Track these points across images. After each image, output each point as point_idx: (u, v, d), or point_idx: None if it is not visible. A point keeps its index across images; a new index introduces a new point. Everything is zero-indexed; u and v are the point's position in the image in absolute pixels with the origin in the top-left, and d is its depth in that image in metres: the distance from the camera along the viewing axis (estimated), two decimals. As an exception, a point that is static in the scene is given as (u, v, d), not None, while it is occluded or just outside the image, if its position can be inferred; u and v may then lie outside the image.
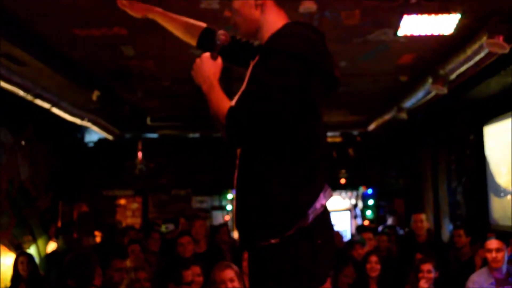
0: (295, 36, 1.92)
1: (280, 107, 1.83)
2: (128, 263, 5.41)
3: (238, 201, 1.98)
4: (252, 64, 1.99)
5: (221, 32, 2.07)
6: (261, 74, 1.87)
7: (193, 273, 4.42)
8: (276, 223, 1.86)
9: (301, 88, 1.86)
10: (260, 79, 1.86)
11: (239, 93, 1.94)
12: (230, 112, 1.87)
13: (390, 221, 10.62)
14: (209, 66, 2.00)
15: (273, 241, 1.85)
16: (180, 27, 2.53)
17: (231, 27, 2.15)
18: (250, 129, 1.85)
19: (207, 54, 2.03)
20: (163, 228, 9.09)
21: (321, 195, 1.93)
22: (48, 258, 6.54)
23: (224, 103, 1.92)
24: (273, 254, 1.86)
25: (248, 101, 1.86)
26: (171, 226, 9.19)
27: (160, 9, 2.54)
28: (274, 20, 2.01)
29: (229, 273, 3.87)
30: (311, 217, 1.88)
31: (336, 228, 8.46)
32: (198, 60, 2.04)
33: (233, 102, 1.93)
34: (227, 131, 1.87)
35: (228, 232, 7.05)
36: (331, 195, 2.00)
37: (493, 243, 4.53)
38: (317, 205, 1.90)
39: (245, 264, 4.56)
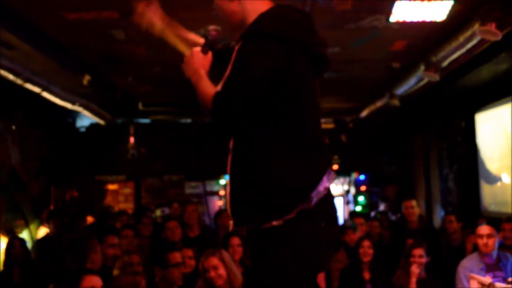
0: (275, 18, 1.96)
1: (261, 87, 1.87)
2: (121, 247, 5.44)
3: (234, 185, 2.00)
4: (235, 50, 2.01)
5: (212, 27, 2.12)
6: (241, 57, 1.93)
7: (184, 256, 4.44)
8: (278, 205, 1.89)
9: (282, 68, 1.89)
10: (240, 62, 1.92)
11: (223, 78, 1.98)
12: (215, 97, 1.93)
13: (382, 207, 10.68)
14: (198, 60, 2.08)
15: (275, 223, 1.88)
16: (187, 43, 2.51)
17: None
18: (235, 111, 1.90)
19: (197, 48, 2.10)
20: (158, 212, 9.10)
21: (325, 178, 1.96)
22: (40, 242, 6.53)
23: (210, 90, 1.98)
24: (276, 236, 1.88)
25: (230, 84, 1.92)
26: (166, 210, 9.20)
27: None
28: (255, 8, 2.04)
29: (213, 261, 3.85)
30: (314, 200, 1.91)
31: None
32: (188, 54, 2.12)
33: (218, 88, 1.97)
34: (213, 114, 1.93)
35: (227, 217, 7.07)
36: (334, 178, 2.03)
37: (484, 229, 4.56)
38: (321, 188, 1.93)
39: (231, 250, 4.59)
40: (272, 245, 1.89)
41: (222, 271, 3.81)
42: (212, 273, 3.78)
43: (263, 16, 1.98)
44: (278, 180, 1.89)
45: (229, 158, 2.02)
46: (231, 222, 2.05)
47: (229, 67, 2.00)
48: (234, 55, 1.99)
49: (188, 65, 2.10)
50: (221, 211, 7.15)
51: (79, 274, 3.36)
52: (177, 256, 4.28)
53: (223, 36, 2.15)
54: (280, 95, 1.90)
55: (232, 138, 2.03)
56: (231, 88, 1.91)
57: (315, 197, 1.91)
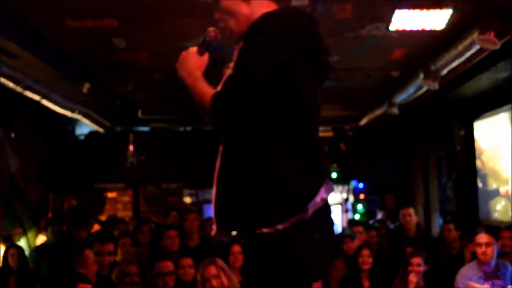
0: (276, 18, 1.92)
1: (260, 86, 1.82)
2: (118, 256, 5.40)
3: (224, 189, 1.93)
4: (237, 49, 1.96)
5: (211, 28, 2.05)
6: (241, 56, 1.87)
7: (184, 265, 4.42)
8: (273, 213, 1.84)
9: (281, 67, 1.84)
10: (240, 61, 1.86)
11: (224, 78, 1.93)
12: (214, 97, 1.86)
13: (379, 215, 10.67)
14: (194, 61, 2.00)
15: (267, 230, 1.83)
16: None
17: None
18: (236, 112, 1.84)
19: (194, 49, 2.02)
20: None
21: (322, 189, 1.91)
22: (37, 250, 6.51)
23: (208, 90, 1.91)
24: (271, 243, 1.84)
25: (230, 84, 1.86)
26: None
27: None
28: (260, 10, 1.97)
29: (212, 270, 3.85)
30: (310, 211, 1.86)
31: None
32: (184, 54, 2.03)
33: (218, 88, 1.92)
34: (212, 115, 1.86)
35: None
36: (332, 189, 1.98)
37: (482, 238, 4.56)
38: (318, 199, 1.88)
39: (232, 257, 4.58)
40: (267, 253, 1.86)
41: (222, 279, 3.82)
42: (214, 282, 3.78)
43: (265, 16, 1.93)
44: (274, 188, 1.84)
45: (218, 162, 1.96)
46: (213, 227, 1.97)
47: (231, 66, 1.95)
48: (235, 54, 1.94)
49: (183, 65, 2.01)
50: (208, 219, 7.11)
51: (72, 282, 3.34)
52: (168, 265, 4.25)
53: (222, 38, 2.08)
54: (278, 98, 1.85)
55: (222, 141, 1.96)
56: (231, 88, 1.85)
57: (312, 208, 1.86)
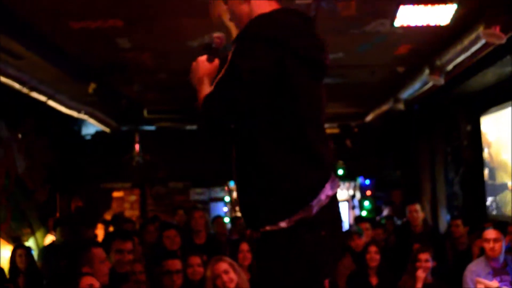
0: (267, 20, 1.93)
1: (250, 89, 1.85)
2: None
3: (240, 190, 1.99)
4: (230, 52, 1.99)
5: (216, 35, 2.09)
6: (232, 58, 1.90)
7: (193, 264, 4.42)
8: (277, 211, 1.85)
9: (272, 70, 1.85)
10: (230, 64, 1.90)
11: (215, 81, 1.97)
12: (204, 98, 1.92)
13: (385, 212, 10.65)
14: (203, 68, 2.06)
15: (271, 227, 1.85)
16: None
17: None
18: (222, 114, 1.88)
19: (203, 57, 2.08)
20: None
21: (327, 186, 1.91)
22: (45, 250, 6.55)
23: (204, 92, 1.97)
24: (278, 241, 1.85)
25: (219, 87, 1.90)
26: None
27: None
28: (260, 10, 2.00)
29: (223, 266, 3.87)
30: (315, 208, 1.86)
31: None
32: (194, 63, 2.09)
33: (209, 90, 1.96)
34: (200, 115, 1.92)
35: (224, 223, 7.06)
36: (338, 186, 1.98)
37: (490, 233, 4.55)
38: (322, 196, 1.88)
39: (241, 255, 4.59)
40: (274, 250, 1.87)
41: (232, 275, 3.84)
42: (225, 277, 3.80)
43: (256, 19, 1.95)
44: (277, 186, 1.86)
45: (233, 164, 2.00)
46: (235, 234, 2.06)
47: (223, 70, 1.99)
48: (229, 56, 1.97)
49: (194, 73, 2.08)
50: (215, 217, 7.13)
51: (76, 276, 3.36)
52: (176, 263, 4.25)
53: (228, 43, 2.13)
54: (274, 98, 1.87)
55: (233, 144, 2.00)
56: (219, 91, 1.89)
57: (316, 205, 1.86)
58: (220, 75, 1.96)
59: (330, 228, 1.93)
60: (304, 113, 1.93)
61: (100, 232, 8.45)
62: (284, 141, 1.88)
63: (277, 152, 1.88)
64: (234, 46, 1.94)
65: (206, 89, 1.99)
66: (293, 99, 1.90)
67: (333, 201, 1.95)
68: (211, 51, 2.07)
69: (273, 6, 2.03)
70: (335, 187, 1.95)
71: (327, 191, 1.90)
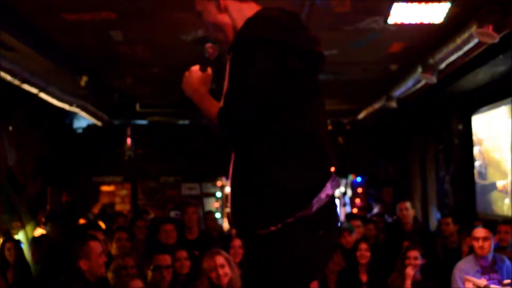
0: (260, 22, 1.92)
1: (263, 94, 1.83)
2: (113, 250, 5.41)
3: (235, 190, 1.96)
4: (228, 60, 1.97)
5: (208, 45, 2.08)
6: (235, 68, 1.89)
7: (180, 258, 4.43)
8: (276, 210, 1.84)
9: (276, 70, 1.85)
10: (237, 73, 1.88)
11: (224, 92, 1.96)
12: (219, 113, 1.89)
13: (376, 209, 10.68)
14: (197, 78, 2.04)
15: (272, 228, 1.84)
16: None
17: None
18: (241, 124, 1.85)
19: (196, 67, 2.06)
20: (172, 214, 9.09)
21: (328, 185, 1.90)
22: (36, 240, 6.52)
23: (214, 106, 1.94)
24: (273, 241, 1.84)
25: (232, 98, 1.88)
26: (178, 213, 9.19)
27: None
28: (242, 14, 2.00)
29: (219, 259, 3.90)
30: (315, 207, 1.86)
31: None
32: (187, 73, 2.07)
33: (221, 103, 1.94)
34: (221, 130, 1.89)
35: (215, 219, 7.07)
36: (338, 185, 1.98)
37: (480, 232, 4.58)
38: (323, 195, 1.88)
39: (232, 251, 4.60)
40: (268, 250, 1.86)
41: (227, 269, 3.86)
42: (220, 271, 3.82)
43: (248, 22, 1.93)
44: (277, 185, 1.84)
45: (231, 163, 1.99)
46: (233, 231, 2.05)
47: (226, 79, 1.97)
48: (227, 67, 1.95)
49: (187, 84, 2.05)
50: (206, 213, 7.11)
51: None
52: (166, 258, 4.25)
53: (220, 51, 2.10)
54: (277, 98, 1.86)
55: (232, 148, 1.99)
56: (234, 101, 1.86)
57: (316, 204, 1.86)
58: (227, 86, 1.94)
59: (327, 227, 1.93)
60: (306, 109, 1.92)
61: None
62: (288, 140, 1.88)
63: (280, 151, 1.87)
64: (231, 55, 1.93)
65: (212, 102, 1.97)
66: (295, 96, 1.90)
67: (331, 201, 1.95)
68: (204, 61, 2.06)
69: (255, 7, 2.03)
70: (335, 186, 1.94)
71: (327, 190, 1.90)
